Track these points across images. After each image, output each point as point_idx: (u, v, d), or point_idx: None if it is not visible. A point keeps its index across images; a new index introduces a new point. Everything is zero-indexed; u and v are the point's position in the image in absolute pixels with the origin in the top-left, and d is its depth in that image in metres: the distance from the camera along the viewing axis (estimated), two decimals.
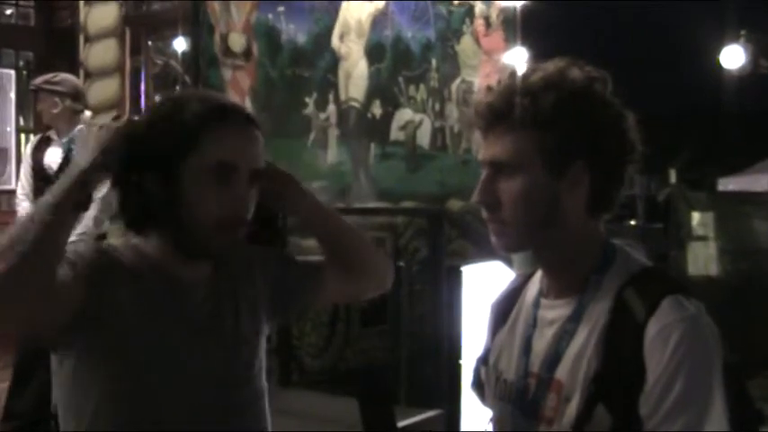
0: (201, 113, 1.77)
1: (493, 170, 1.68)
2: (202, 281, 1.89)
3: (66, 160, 5.49)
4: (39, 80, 5.66)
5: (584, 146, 1.63)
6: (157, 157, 1.76)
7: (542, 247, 1.72)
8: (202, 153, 1.75)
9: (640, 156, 1.69)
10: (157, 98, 7.95)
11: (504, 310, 1.87)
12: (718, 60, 13.09)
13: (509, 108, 1.65)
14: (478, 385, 1.92)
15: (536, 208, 1.65)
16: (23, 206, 5.51)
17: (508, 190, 1.66)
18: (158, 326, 1.81)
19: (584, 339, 1.63)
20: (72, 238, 5.34)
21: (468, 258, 5.21)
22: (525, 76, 1.68)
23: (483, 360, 1.90)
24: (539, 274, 1.80)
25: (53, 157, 5.51)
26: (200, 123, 1.76)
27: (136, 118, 1.88)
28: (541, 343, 1.71)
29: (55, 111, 5.53)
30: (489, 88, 1.73)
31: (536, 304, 1.77)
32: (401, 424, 4.93)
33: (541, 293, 1.77)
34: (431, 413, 4.96)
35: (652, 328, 1.55)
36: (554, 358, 1.66)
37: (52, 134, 5.63)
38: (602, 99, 1.66)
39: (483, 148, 1.70)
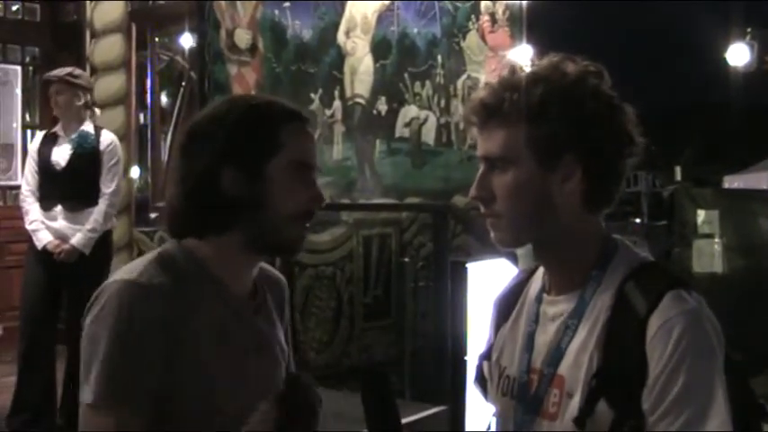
0: (283, 116, 1.89)
1: (488, 165, 1.69)
2: (250, 290, 1.97)
3: (75, 157, 5.50)
4: (61, 72, 5.64)
5: (574, 139, 1.63)
6: (243, 159, 1.83)
7: (540, 243, 1.72)
8: (286, 153, 1.86)
9: (640, 150, 1.69)
10: (164, 99, 7.95)
11: (507, 306, 1.87)
12: (725, 58, 13.07)
13: (501, 103, 1.66)
14: (481, 381, 1.92)
15: (528, 201, 1.66)
16: (29, 202, 5.51)
17: (501, 184, 1.67)
18: (227, 348, 1.86)
19: (586, 335, 1.63)
20: (80, 234, 5.28)
21: (473, 254, 5.22)
22: (519, 71, 1.69)
23: (485, 356, 1.91)
24: (541, 270, 1.81)
25: (61, 153, 5.50)
26: (283, 126, 1.87)
27: (198, 119, 1.93)
28: (544, 339, 1.71)
29: (78, 104, 5.55)
30: (485, 84, 1.74)
31: (538, 300, 1.77)
32: (405, 420, 4.95)
33: (544, 289, 1.77)
34: (435, 409, 4.97)
35: (654, 323, 1.55)
36: (556, 354, 1.67)
37: (59, 130, 5.62)
38: (594, 92, 1.66)
39: (478, 143, 1.71)
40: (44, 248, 5.36)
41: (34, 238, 5.42)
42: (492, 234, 1.73)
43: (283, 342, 2.06)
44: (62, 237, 5.40)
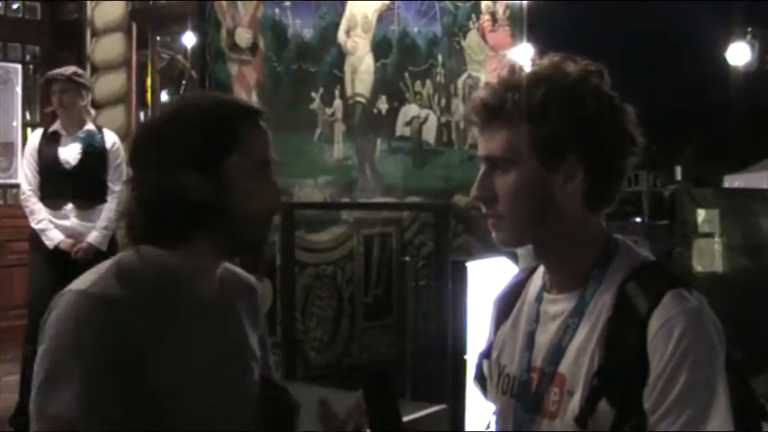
0: (238, 113, 1.85)
1: (489, 165, 1.69)
2: (215, 296, 1.91)
3: (85, 156, 5.50)
4: (67, 71, 5.65)
5: (576, 138, 1.63)
6: (200, 160, 1.78)
7: (541, 242, 1.73)
8: (244, 151, 1.81)
9: (640, 149, 1.70)
10: (165, 98, 7.95)
11: (507, 305, 1.88)
12: (725, 57, 13.06)
13: (502, 103, 1.66)
14: (480, 379, 1.92)
15: (531, 201, 1.66)
16: (33, 201, 5.51)
17: (503, 184, 1.67)
18: (193, 357, 1.80)
19: (586, 333, 1.64)
20: (95, 233, 5.29)
21: (474, 254, 5.22)
22: (520, 71, 1.69)
23: (485, 354, 1.91)
24: (541, 269, 1.81)
25: (70, 152, 5.51)
26: (239, 123, 1.83)
27: (149, 122, 1.92)
28: (544, 337, 1.71)
29: (81, 103, 5.57)
30: (487, 84, 1.74)
31: (539, 299, 1.77)
32: (406, 418, 4.95)
33: (544, 288, 1.78)
34: (435, 408, 4.97)
35: (655, 322, 1.55)
36: (557, 352, 1.67)
37: (60, 129, 5.63)
38: (595, 92, 1.66)
39: (479, 143, 1.71)
40: (55, 247, 5.36)
41: (44, 238, 5.43)
42: (493, 234, 1.73)
43: (255, 348, 1.99)
44: (75, 235, 5.43)
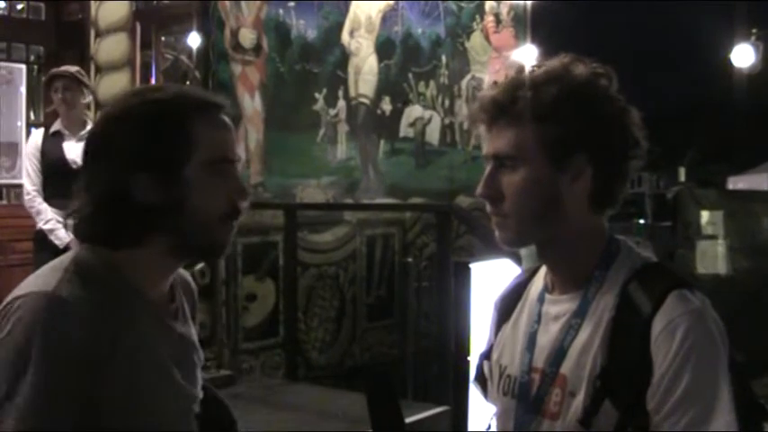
0: (194, 109, 1.72)
1: (496, 164, 1.69)
2: (167, 297, 1.82)
3: None
4: (71, 69, 5.66)
5: (586, 139, 1.64)
6: (155, 163, 1.67)
7: (546, 242, 1.72)
8: (202, 151, 1.70)
9: (644, 151, 1.70)
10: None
11: (508, 306, 1.87)
12: (729, 58, 13.05)
13: (512, 102, 1.66)
14: (480, 380, 1.92)
15: (538, 201, 1.66)
16: (38, 201, 5.52)
17: (511, 183, 1.66)
18: (153, 361, 1.72)
19: (589, 334, 1.63)
20: None
21: (476, 255, 5.23)
22: (529, 71, 1.69)
23: (486, 355, 1.91)
24: (543, 270, 1.81)
25: (76, 151, 5.50)
26: (196, 120, 1.71)
27: (104, 118, 1.74)
28: (546, 338, 1.71)
29: (83, 101, 5.59)
30: (495, 83, 1.74)
31: (540, 300, 1.77)
32: (409, 419, 4.94)
33: (546, 289, 1.77)
34: (438, 409, 4.97)
35: (658, 323, 1.55)
36: (559, 353, 1.67)
37: (62, 129, 5.63)
38: (605, 93, 1.66)
39: (486, 142, 1.71)
40: (65, 246, 5.36)
41: (53, 237, 5.43)
42: (497, 233, 1.72)
43: (197, 343, 1.90)
44: None
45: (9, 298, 1.61)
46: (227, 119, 1.77)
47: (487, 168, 1.71)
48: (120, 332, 1.63)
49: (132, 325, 1.66)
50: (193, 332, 1.88)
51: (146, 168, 1.66)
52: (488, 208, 1.71)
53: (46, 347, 1.54)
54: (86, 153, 1.74)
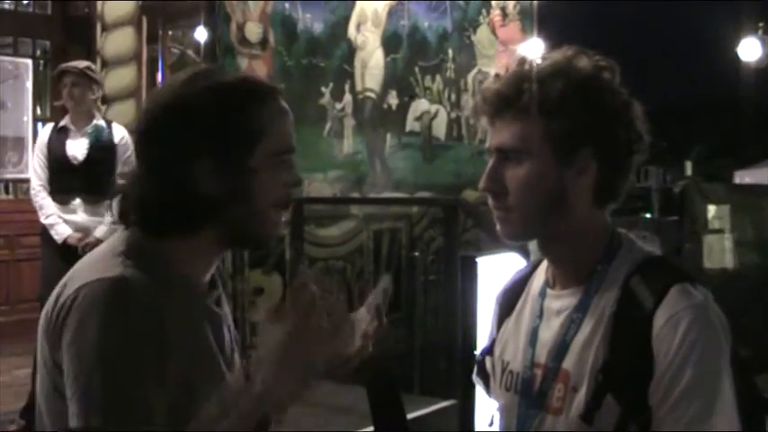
0: (260, 96, 1.68)
1: (500, 157, 1.67)
2: (209, 289, 1.78)
3: (93, 151, 5.52)
4: (80, 65, 5.67)
5: (591, 133, 1.63)
6: (221, 150, 1.63)
7: (548, 237, 1.71)
8: (269, 140, 1.67)
9: (647, 145, 1.69)
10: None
11: (510, 301, 1.87)
12: (736, 53, 13.02)
13: (517, 95, 1.64)
14: (482, 375, 1.92)
15: (542, 195, 1.65)
16: (42, 196, 5.53)
17: (515, 177, 1.65)
18: (204, 348, 1.69)
19: (591, 329, 1.63)
20: (103, 227, 5.24)
21: (483, 249, 5.22)
22: (534, 63, 1.68)
23: (488, 351, 1.90)
24: (544, 265, 1.80)
25: (78, 147, 5.52)
26: (262, 108, 1.67)
27: (159, 104, 1.67)
28: (548, 333, 1.70)
29: (92, 97, 5.59)
30: (498, 76, 1.72)
31: (542, 295, 1.76)
32: (415, 414, 4.94)
33: (547, 284, 1.76)
34: (445, 403, 4.97)
35: (660, 318, 1.54)
36: (561, 348, 1.66)
37: (68, 124, 5.64)
38: (610, 87, 1.66)
39: (490, 135, 1.70)
40: (64, 242, 5.38)
41: (52, 232, 5.45)
42: (499, 228, 1.71)
43: (234, 330, 1.86)
44: (83, 229, 5.44)
45: (70, 289, 1.57)
46: (286, 105, 1.73)
47: (490, 162, 1.70)
48: (172, 317, 1.58)
49: (185, 311, 1.63)
50: (230, 319, 1.84)
51: (210, 155, 1.62)
52: (491, 202, 1.70)
53: (124, 331, 1.51)
54: (141, 141, 1.68)
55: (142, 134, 1.68)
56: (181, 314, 1.61)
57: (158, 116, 1.66)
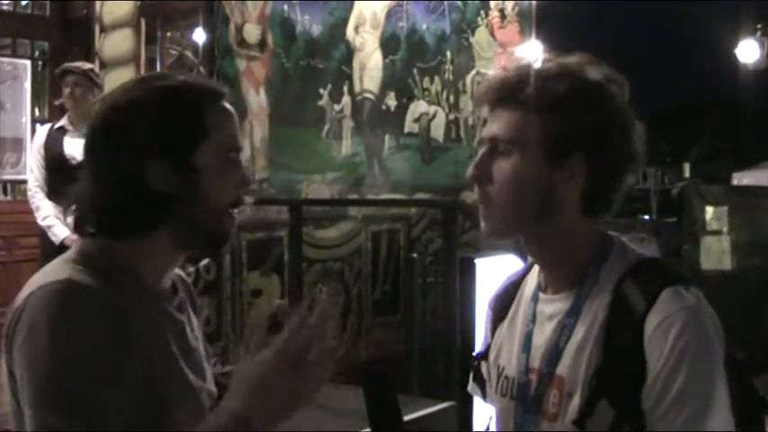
0: (206, 96, 1.71)
1: (491, 147, 1.66)
2: (170, 294, 1.80)
3: None
4: (84, 66, 5.68)
5: (588, 140, 1.61)
6: (169, 149, 1.66)
7: (532, 239, 1.70)
8: (214, 138, 1.69)
9: (640, 170, 1.68)
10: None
11: (503, 306, 1.85)
12: (734, 54, 13.04)
13: (521, 86, 1.63)
14: (479, 381, 1.91)
15: (525, 192, 1.63)
16: (39, 197, 5.53)
17: (502, 168, 1.64)
18: (166, 354, 1.70)
19: (583, 334, 1.62)
20: None
21: (482, 250, 5.22)
22: (544, 60, 1.67)
23: (483, 356, 1.89)
24: (536, 269, 1.78)
25: (76, 148, 5.52)
26: (207, 107, 1.70)
27: (109, 106, 1.71)
28: (541, 338, 1.69)
29: (93, 100, 5.60)
30: (504, 68, 1.72)
31: (535, 299, 1.75)
32: (414, 415, 4.94)
33: (540, 288, 1.75)
34: (443, 405, 4.97)
35: (652, 321, 1.54)
36: (554, 353, 1.65)
37: (66, 125, 5.64)
38: (616, 100, 1.64)
39: (488, 124, 1.69)
40: (62, 243, 5.37)
41: (50, 234, 5.45)
42: (482, 225, 1.68)
43: (202, 336, 1.87)
44: None
45: (21, 297, 1.59)
46: (231, 107, 1.76)
47: (482, 150, 1.69)
48: (130, 319, 1.59)
49: (141, 315, 1.64)
50: (197, 325, 1.86)
51: (158, 155, 1.65)
52: (476, 192, 1.69)
53: (74, 330, 1.52)
54: (90, 144, 1.71)
55: (89, 140, 1.72)
56: (135, 315, 1.61)
57: (104, 122, 1.70)
